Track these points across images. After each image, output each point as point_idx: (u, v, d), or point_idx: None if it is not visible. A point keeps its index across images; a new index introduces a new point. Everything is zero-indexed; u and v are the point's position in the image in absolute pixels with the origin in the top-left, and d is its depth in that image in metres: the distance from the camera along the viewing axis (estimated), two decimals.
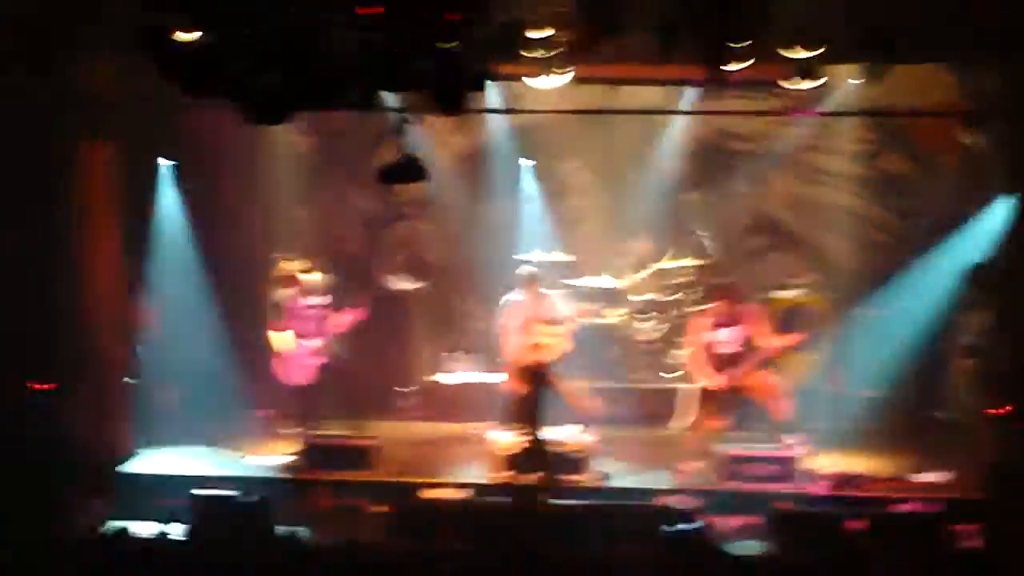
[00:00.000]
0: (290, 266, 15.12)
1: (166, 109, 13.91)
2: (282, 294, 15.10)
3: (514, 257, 17.08)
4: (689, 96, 16.77)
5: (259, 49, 8.58)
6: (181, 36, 8.97)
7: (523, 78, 14.10)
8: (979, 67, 13.72)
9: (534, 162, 17.74)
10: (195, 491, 12.82)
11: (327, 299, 14.98)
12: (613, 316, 17.02)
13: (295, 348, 14.90)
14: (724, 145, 17.93)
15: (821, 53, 12.79)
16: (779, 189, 17.99)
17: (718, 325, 14.24)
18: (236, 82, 8.63)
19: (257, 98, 8.67)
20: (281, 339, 14.98)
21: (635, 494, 13.64)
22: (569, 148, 17.91)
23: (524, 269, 15.45)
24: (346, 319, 14.89)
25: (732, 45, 11.16)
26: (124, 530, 10.17)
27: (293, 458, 14.49)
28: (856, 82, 14.90)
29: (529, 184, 17.80)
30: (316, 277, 15.04)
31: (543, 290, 15.33)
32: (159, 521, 10.08)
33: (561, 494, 13.34)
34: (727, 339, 14.17)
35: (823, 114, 16.25)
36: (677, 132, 17.69)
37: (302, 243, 16.73)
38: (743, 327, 14.16)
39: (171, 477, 14.15)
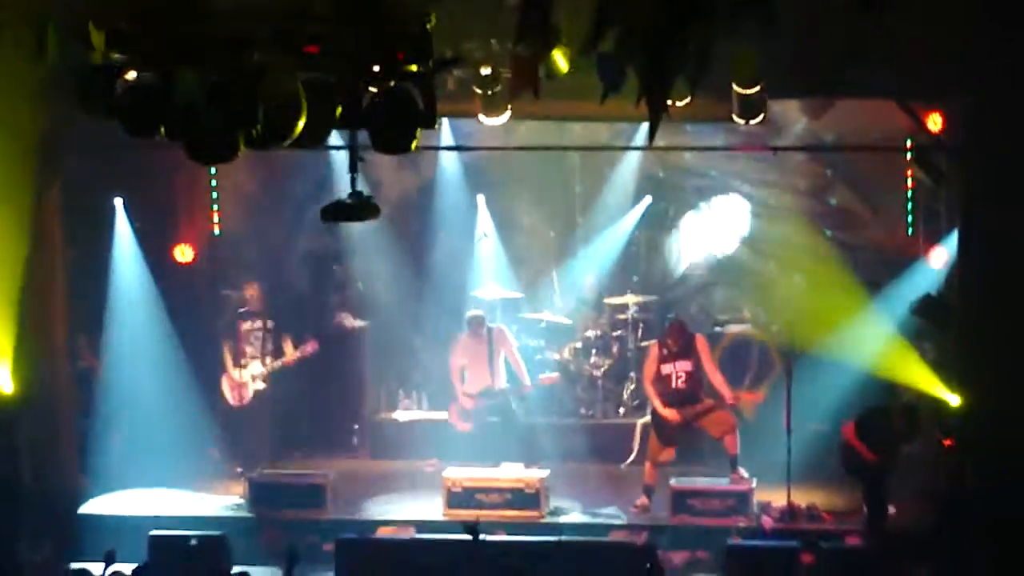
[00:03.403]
0: (236, 292, 15.35)
1: (113, 150, 13.85)
2: (228, 317, 15.29)
3: (464, 294, 17.12)
4: (638, 132, 16.86)
5: (205, 89, 8.56)
6: (126, 77, 8.94)
7: (475, 115, 14.14)
8: (920, 105, 13.83)
9: (483, 198, 17.77)
10: (153, 532, 12.86)
11: (271, 323, 15.14)
12: (563, 352, 17.04)
13: (239, 369, 15.07)
14: (673, 180, 17.98)
15: (763, 89, 12.86)
16: (727, 223, 18.04)
17: (669, 359, 14.30)
18: (181, 122, 8.61)
19: (202, 137, 8.65)
20: (227, 360, 15.40)
21: (588, 530, 13.65)
22: (518, 184, 17.92)
23: (472, 308, 15.57)
24: (295, 354, 15.06)
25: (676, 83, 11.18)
26: (85, 571, 10.16)
27: (246, 497, 14.43)
28: (806, 119, 15.08)
29: (479, 220, 17.82)
30: (259, 307, 15.28)
31: (493, 325, 15.45)
32: (114, 562, 10.03)
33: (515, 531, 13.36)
34: (677, 372, 14.24)
35: (771, 148, 16.30)
36: (626, 168, 17.75)
37: (251, 281, 16.71)
38: (692, 361, 14.24)
39: (127, 518, 14.11)
